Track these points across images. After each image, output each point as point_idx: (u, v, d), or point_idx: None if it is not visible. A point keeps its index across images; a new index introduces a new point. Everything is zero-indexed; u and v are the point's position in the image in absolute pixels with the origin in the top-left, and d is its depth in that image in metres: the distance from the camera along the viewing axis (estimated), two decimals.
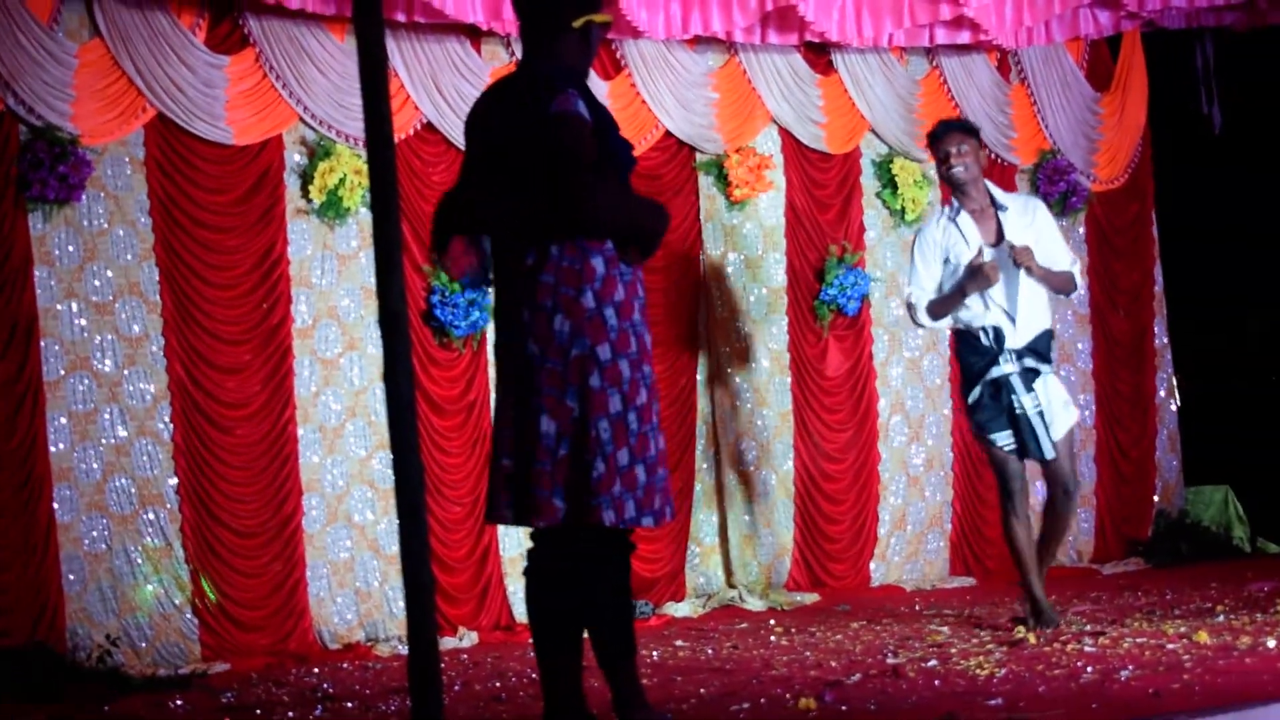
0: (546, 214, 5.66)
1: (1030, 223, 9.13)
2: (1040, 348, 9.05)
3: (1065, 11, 11.79)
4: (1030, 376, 8.99)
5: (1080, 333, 12.98)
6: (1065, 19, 12.13)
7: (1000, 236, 9.05)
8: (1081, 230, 12.99)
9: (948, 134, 9.08)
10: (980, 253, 8.92)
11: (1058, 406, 9.05)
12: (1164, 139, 13.29)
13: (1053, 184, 12.68)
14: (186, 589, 9.62)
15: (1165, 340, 13.34)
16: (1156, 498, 13.13)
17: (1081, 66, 12.94)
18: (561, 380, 5.64)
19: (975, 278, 8.86)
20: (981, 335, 9.02)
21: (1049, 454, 9.06)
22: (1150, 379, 13.21)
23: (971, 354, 9.12)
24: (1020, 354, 8.98)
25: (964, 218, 9.09)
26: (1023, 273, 8.89)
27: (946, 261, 9.09)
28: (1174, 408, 13.37)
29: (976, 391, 9.06)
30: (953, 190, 9.19)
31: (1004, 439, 9.06)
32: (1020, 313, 8.95)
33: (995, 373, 9.00)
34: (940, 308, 9.11)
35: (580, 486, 5.61)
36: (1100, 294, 13.03)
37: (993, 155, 12.39)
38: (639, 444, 5.68)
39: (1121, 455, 13.02)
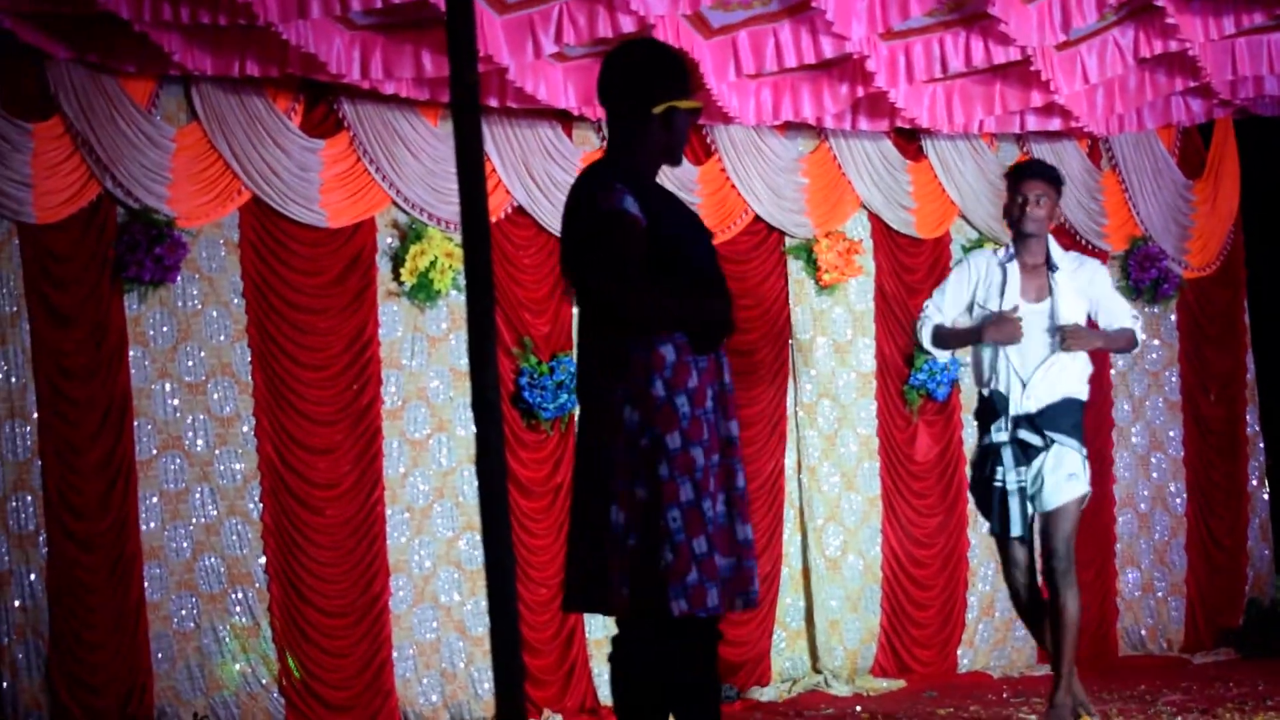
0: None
1: (1086, 281, 8.63)
2: (1054, 417, 8.36)
3: (1157, 99, 11.76)
4: (1026, 449, 8.37)
5: (1172, 420, 12.90)
6: (1157, 106, 12.10)
7: (1042, 295, 8.53)
8: (1173, 317, 12.93)
9: (1035, 178, 8.56)
10: (1015, 309, 8.42)
11: (1059, 478, 8.30)
12: (1256, 226, 13.22)
13: (1144, 271, 12.63)
14: (273, 668, 9.66)
15: (1257, 428, 13.23)
16: (1248, 586, 13.00)
17: (1173, 153, 12.90)
18: (631, 470, 5.63)
19: (999, 327, 8.36)
20: (986, 395, 8.57)
21: (1015, 530, 8.41)
22: (1243, 467, 13.10)
23: (979, 414, 8.71)
24: (1019, 421, 8.38)
25: (1013, 268, 8.57)
26: (1052, 342, 8.40)
27: (973, 301, 8.68)
28: (1266, 496, 13.25)
29: (974, 457, 8.74)
30: (1015, 236, 8.62)
31: (990, 523, 8.64)
32: (1035, 379, 8.37)
33: (986, 440, 8.50)
34: (951, 339, 8.71)
35: (649, 576, 5.59)
36: (1193, 381, 12.95)
37: (1084, 241, 12.35)
38: (716, 532, 5.65)
39: (1214, 544, 12.90)
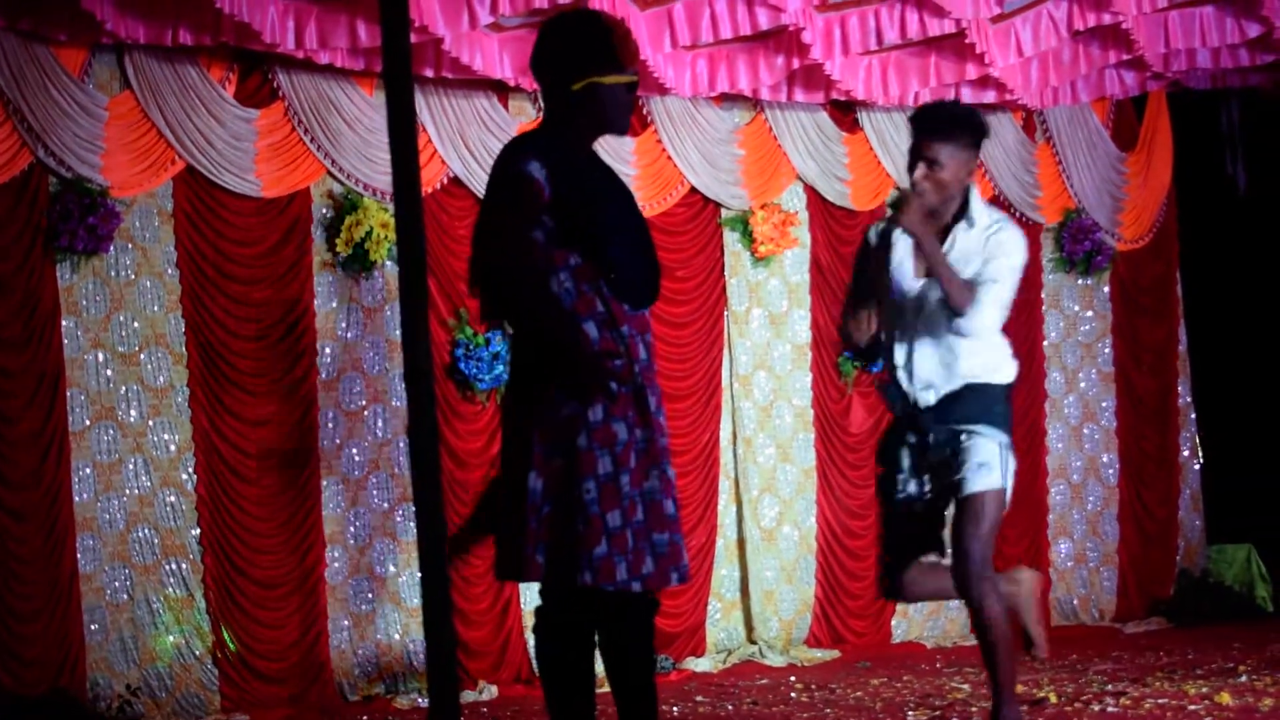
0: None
1: (992, 248, 6.85)
2: (957, 405, 6.91)
3: (1091, 72, 11.82)
4: (924, 451, 7.01)
5: (1105, 391, 12.98)
6: (1091, 79, 12.15)
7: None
8: (1106, 289, 13.00)
9: (930, 137, 6.88)
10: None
11: (970, 468, 6.82)
12: (1189, 199, 13.31)
13: (1077, 243, 12.70)
14: (208, 639, 9.64)
15: (1189, 399, 13.33)
16: (1179, 557, 13.11)
17: (1107, 126, 12.96)
18: (551, 439, 5.59)
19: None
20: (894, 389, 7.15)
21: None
22: (1174, 438, 13.20)
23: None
24: (915, 418, 7.04)
25: (901, 235, 6.94)
26: (948, 319, 6.82)
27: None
28: (1197, 467, 13.35)
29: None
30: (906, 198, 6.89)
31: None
32: (930, 363, 6.95)
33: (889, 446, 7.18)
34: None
35: (560, 546, 5.57)
36: (1125, 353, 13.03)
37: (1018, 214, 12.41)
38: (631, 507, 5.58)
39: (1146, 514, 12.99)
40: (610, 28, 5.74)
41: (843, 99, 11.64)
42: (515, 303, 5.58)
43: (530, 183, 5.54)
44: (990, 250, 6.82)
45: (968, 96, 11.87)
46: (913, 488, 7.00)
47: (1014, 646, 6.87)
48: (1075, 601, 12.70)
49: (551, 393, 5.57)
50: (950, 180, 6.81)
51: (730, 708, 9.04)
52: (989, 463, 6.81)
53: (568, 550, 5.54)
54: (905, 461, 7.01)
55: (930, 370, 6.91)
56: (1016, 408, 12.30)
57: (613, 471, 5.51)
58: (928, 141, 6.81)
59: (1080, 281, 12.89)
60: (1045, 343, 12.74)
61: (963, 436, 6.84)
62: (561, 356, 5.52)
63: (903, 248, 6.91)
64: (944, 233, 6.89)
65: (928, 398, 6.92)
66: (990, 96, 11.89)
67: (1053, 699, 8.34)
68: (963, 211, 6.90)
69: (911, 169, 6.87)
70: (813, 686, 9.78)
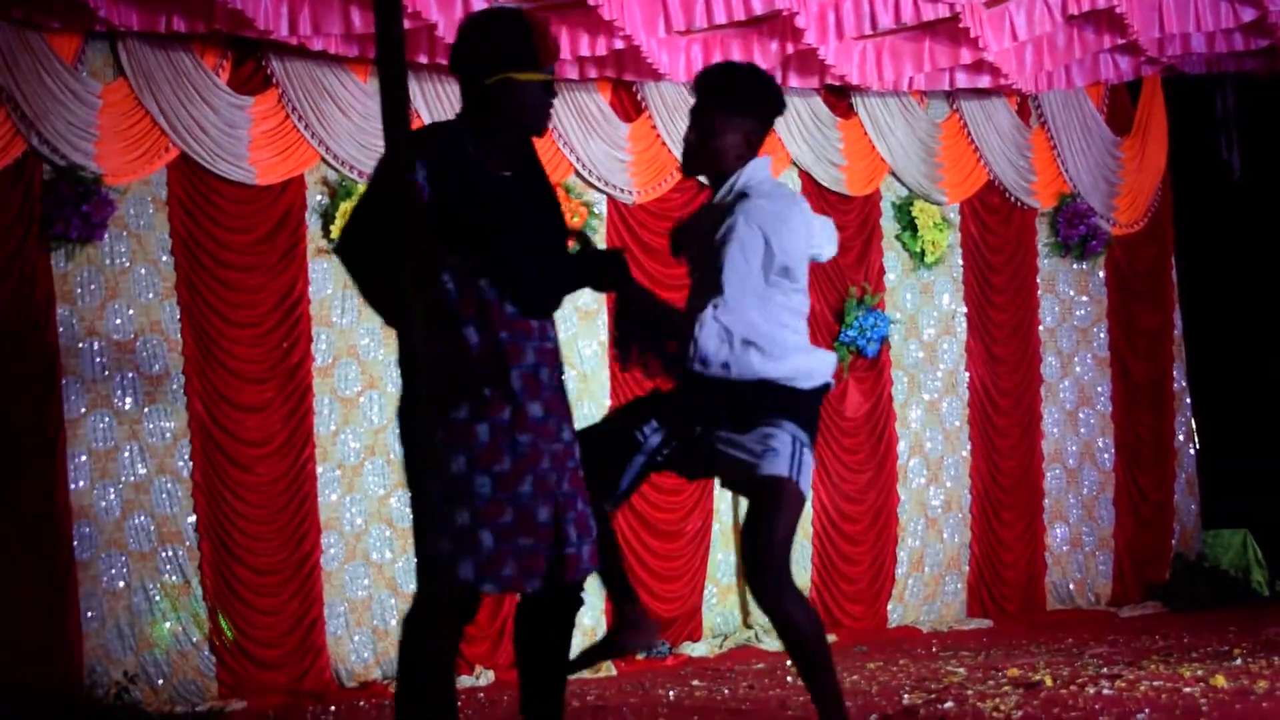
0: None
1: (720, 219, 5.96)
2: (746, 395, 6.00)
3: (1085, 57, 11.82)
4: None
5: (1100, 376, 12.99)
6: (1085, 64, 12.16)
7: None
8: (1101, 274, 13.00)
9: (696, 95, 6.14)
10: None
11: (762, 452, 6.03)
12: (1184, 184, 13.31)
13: (1073, 227, 12.70)
14: (204, 626, 9.65)
15: (1184, 384, 13.34)
16: (1175, 541, 13.12)
17: (1102, 111, 12.96)
18: (408, 437, 5.47)
19: None
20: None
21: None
22: (1169, 423, 13.21)
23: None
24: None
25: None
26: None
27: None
28: (1193, 451, 13.37)
29: None
30: None
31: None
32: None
33: None
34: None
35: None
36: (1120, 338, 13.04)
37: (1012, 199, 12.42)
38: (492, 509, 5.41)
39: (1141, 499, 13.01)
40: (530, 25, 5.62)
41: (837, 84, 11.63)
42: (369, 300, 5.53)
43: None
44: (721, 233, 5.92)
45: (962, 81, 11.89)
46: (655, 440, 6.04)
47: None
48: (1071, 586, 12.72)
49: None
50: (723, 149, 6.00)
51: (726, 692, 9.04)
52: (779, 450, 5.95)
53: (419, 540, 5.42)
54: (664, 419, 6.04)
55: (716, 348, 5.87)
56: (1012, 390, 12.45)
57: (465, 472, 5.39)
58: (703, 106, 6.05)
59: (1075, 266, 12.89)
60: (1041, 327, 12.75)
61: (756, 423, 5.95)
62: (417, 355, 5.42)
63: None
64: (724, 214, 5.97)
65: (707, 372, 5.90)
66: (985, 81, 11.89)
67: (1048, 682, 8.35)
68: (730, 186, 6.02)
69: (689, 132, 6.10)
70: None
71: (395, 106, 3.89)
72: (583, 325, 10.97)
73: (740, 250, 5.84)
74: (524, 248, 5.49)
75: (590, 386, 10.93)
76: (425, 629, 5.29)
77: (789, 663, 10.24)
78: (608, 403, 10.80)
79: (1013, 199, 12.44)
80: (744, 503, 11.38)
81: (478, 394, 5.38)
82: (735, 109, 6.02)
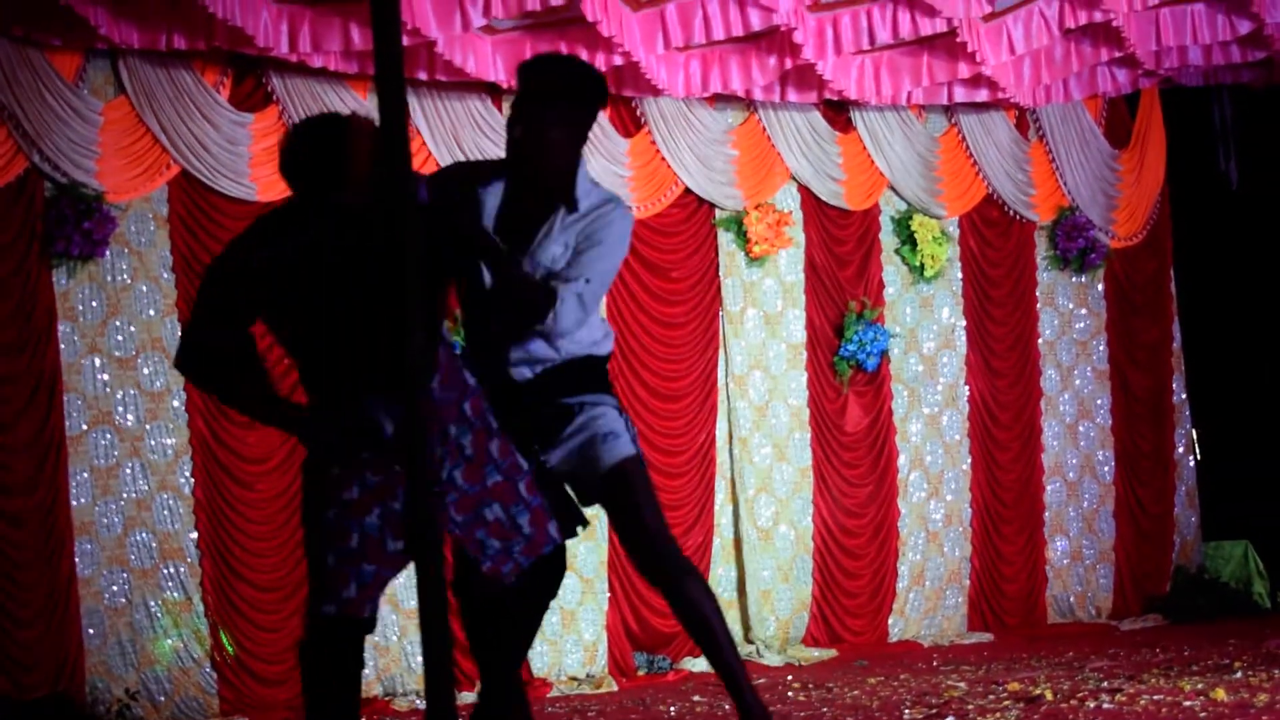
0: None
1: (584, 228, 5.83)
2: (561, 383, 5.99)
3: (1083, 70, 11.84)
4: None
5: (1100, 389, 13.00)
6: (1083, 77, 12.18)
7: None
8: (1101, 287, 13.02)
9: (541, 98, 5.76)
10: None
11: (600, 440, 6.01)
12: (1182, 196, 13.33)
13: (1071, 240, 12.72)
14: (206, 643, 9.65)
15: (1184, 396, 13.35)
16: (1175, 553, 13.13)
17: (1100, 124, 12.98)
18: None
19: None
20: None
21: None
22: (1169, 435, 13.22)
23: None
24: None
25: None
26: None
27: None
28: (1193, 464, 13.38)
29: None
30: None
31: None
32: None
33: None
34: None
35: None
36: (1120, 350, 13.05)
37: (1011, 212, 12.45)
38: (336, 533, 5.41)
39: (1142, 512, 13.01)
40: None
41: (836, 99, 11.66)
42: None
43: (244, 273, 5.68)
44: (592, 235, 5.79)
45: (960, 95, 11.92)
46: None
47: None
48: (1071, 599, 12.72)
49: None
50: (554, 151, 5.75)
51: (727, 707, 9.05)
52: (616, 430, 5.90)
53: None
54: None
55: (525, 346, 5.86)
56: (1012, 403, 12.47)
57: (316, 505, 5.50)
58: (534, 104, 5.74)
59: (1074, 279, 12.91)
60: (1040, 340, 12.76)
61: (576, 409, 5.89)
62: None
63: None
64: (544, 216, 5.83)
65: (524, 373, 5.87)
66: (983, 95, 11.92)
67: (1049, 696, 8.36)
68: (567, 194, 5.81)
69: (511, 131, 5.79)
70: (810, 685, 9.80)
71: (394, 123, 3.90)
72: None
73: (619, 254, 5.89)
74: (321, 333, 5.55)
75: None
76: (311, 655, 5.54)
77: (789, 677, 10.26)
78: None
79: (1012, 212, 12.47)
80: (745, 515, 11.44)
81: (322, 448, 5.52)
82: (568, 104, 5.75)
